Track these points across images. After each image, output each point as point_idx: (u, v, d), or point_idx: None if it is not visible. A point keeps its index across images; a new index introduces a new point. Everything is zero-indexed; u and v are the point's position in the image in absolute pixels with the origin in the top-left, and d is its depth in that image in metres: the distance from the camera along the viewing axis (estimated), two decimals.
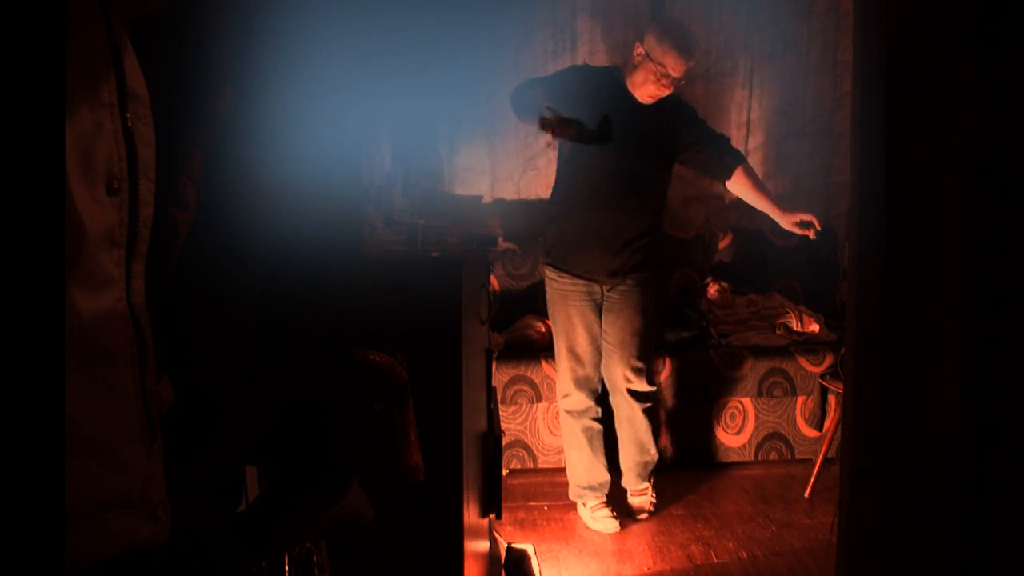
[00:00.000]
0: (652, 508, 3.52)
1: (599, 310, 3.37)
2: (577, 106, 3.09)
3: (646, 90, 3.22)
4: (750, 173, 3.44)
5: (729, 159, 3.41)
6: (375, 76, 1.23)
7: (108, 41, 0.73)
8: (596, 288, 3.34)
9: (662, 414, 3.92)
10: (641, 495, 3.52)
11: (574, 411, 3.40)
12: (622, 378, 3.38)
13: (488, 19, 2.76)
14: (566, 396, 3.41)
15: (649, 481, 3.54)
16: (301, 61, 1.11)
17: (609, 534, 3.36)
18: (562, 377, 3.41)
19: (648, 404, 3.43)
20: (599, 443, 3.43)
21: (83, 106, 0.69)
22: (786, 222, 3.38)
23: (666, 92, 3.23)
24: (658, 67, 3.15)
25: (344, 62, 1.20)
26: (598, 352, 3.38)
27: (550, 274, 3.39)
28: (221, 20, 1.01)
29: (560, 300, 3.36)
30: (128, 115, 0.74)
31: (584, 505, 3.48)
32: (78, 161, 0.68)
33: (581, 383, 3.37)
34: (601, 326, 3.38)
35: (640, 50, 3.20)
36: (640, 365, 3.37)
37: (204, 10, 0.99)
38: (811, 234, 3.36)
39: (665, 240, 3.50)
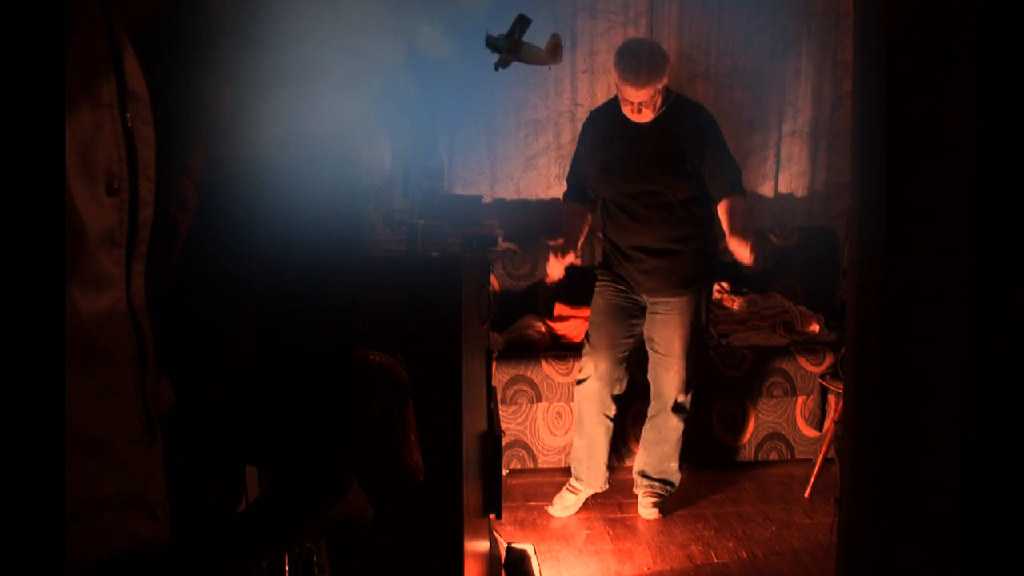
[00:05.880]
0: (659, 515, 3.50)
1: (638, 313, 3.48)
2: (594, 150, 3.43)
3: (627, 113, 3.35)
4: (735, 207, 3.39)
5: (726, 185, 3.38)
6: (375, 75, 1.23)
7: (108, 41, 0.73)
8: (637, 296, 3.48)
9: None
10: (652, 503, 3.51)
11: (583, 394, 3.50)
12: (670, 389, 3.46)
13: (488, 19, 2.76)
14: (581, 380, 3.53)
15: (660, 499, 3.53)
16: (301, 61, 1.11)
17: (608, 533, 3.36)
18: (583, 360, 3.55)
19: (683, 416, 3.49)
20: (601, 436, 3.50)
21: (83, 106, 0.69)
22: (732, 241, 3.39)
23: (643, 114, 3.30)
24: (622, 93, 3.30)
25: (343, 62, 1.20)
26: (620, 350, 3.47)
27: (598, 273, 3.58)
28: (221, 20, 1.01)
29: (599, 294, 3.53)
30: (128, 115, 0.74)
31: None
32: (78, 161, 0.68)
33: (598, 373, 3.46)
34: (644, 332, 3.49)
35: (613, 77, 3.36)
36: (685, 378, 3.44)
37: (204, 10, 0.99)
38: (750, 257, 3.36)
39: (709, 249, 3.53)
